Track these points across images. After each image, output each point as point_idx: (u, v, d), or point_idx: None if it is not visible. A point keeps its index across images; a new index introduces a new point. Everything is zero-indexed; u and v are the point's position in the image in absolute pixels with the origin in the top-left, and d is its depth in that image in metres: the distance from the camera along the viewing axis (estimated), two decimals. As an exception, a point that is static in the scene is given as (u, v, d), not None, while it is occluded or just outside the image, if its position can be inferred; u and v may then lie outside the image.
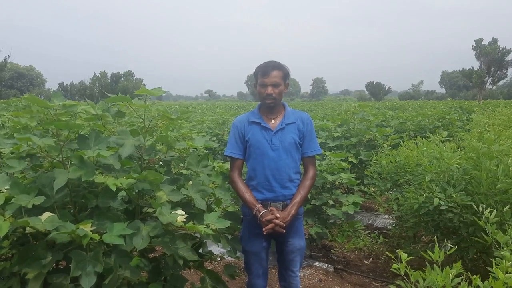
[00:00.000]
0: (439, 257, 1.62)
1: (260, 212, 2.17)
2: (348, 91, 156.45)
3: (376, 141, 4.75)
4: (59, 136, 1.72)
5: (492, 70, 47.66)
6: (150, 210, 1.85)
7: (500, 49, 47.89)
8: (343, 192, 4.05)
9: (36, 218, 1.43)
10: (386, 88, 77.88)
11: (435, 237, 2.34)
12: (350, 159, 4.10)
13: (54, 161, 1.73)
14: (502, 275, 1.43)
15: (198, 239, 2.11)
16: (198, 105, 35.45)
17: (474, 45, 49.45)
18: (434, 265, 1.58)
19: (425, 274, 1.56)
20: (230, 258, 3.11)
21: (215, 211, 2.01)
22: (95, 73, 58.48)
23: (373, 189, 3.88)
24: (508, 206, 2.25)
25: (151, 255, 2.06)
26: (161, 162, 2.04)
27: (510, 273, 1.46)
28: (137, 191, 1.77)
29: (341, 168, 3.57)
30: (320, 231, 3.48)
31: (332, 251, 4.08)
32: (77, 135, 1.70)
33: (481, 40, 49.28)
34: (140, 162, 1.88)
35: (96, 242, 1.48)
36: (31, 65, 68.17)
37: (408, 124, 6.60)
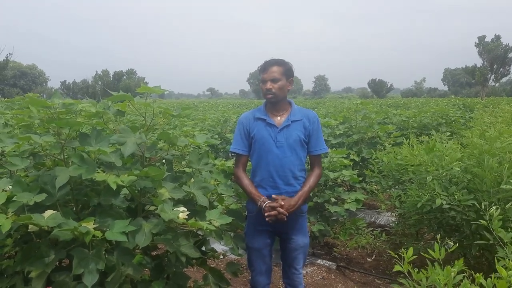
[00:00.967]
0: (440, 255, 1.62)
1: (265, 202, 2.18)
2: (350, 89, 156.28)
3: (378, 139, 4.74)
4: (60, 135, 1.72)
5: (495, 67, 47.38)
6: (152, 208, 1.85)
7: (503, 46, 47.59)
8: (345, 189, 4.05)
9: (39, 215, 1.43)
10: (389, 86, 77.62)
11: (438, 234, 2.33)
12: (352, 157, 4.09)
13: (56, 159, 1.73)
14: (505, 273, 1.43)
15: (200, 237, 2.11)
16: (200, 103, 35.46)
17: (477, 42, 49.14)
18: (436, 263, 1.58)
19: (427, 272, 1.56)
20: (233, 256, 3.12)
21: (217, 208, 2.01)
22: (97, 72, 58.49)
23: (375, 186, 3.87)
24: (510, 204, 2.24)
25: (154, 253, 2.06)
26: (163, 160, 2.04)
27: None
28: (139, 189, 1.77)
29: (343, 165, 3.57)
30: (323, 229, 3.49)
31: (335, 248, 4.08)
32: (77, 133, 1.70)
33: (484, 37, 48.98)
34: (141, 160, 1.88)
35: (98, 240, 1.48)
36: (34, 64, 68.37)
37: (411, 122, 6.58)
